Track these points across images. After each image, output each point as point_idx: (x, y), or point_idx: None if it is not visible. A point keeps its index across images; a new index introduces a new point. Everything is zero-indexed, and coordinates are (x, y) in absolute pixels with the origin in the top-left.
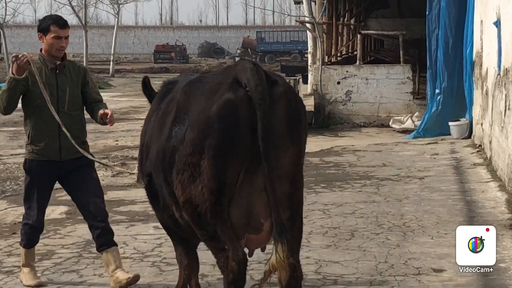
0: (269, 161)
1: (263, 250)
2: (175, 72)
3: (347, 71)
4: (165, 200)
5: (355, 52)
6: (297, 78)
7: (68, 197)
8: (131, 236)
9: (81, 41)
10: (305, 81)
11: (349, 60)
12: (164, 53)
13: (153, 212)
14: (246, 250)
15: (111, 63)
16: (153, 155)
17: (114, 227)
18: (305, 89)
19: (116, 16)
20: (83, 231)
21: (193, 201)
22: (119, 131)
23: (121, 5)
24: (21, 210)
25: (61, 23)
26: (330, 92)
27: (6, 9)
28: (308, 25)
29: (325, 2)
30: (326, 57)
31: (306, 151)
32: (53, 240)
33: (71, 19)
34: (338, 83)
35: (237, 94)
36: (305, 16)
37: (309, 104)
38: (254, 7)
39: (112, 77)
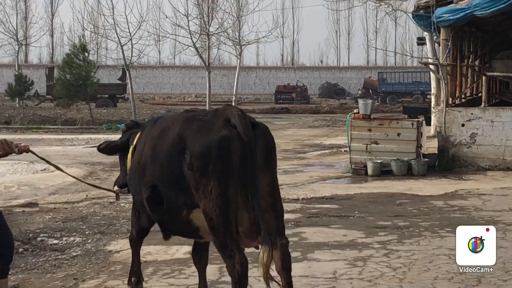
0: (253, 183)
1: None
2: (296, 112)
3: (471, 113)
4: (170, 203)
5: (479, 94)
6: (420, 120)
7: None
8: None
9: (204, 82)
10: (428, 123)
11: (473, 102)
12: (285, 94)
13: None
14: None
15: (233, 103)
16: (157, 172)
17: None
18: (428, 131)
19: (238, 57)
20: (207, 271)
21: (208, 214)
22: None
23: (243, 46)
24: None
25: None
26: (454, 135)
27: (132, 51)
28: (431, 66)
29: (449, 43)
30: (450, 99)
31: (430, 194)
32: (178, 280)
33: (195, 60)
34: (463, 125)
35: (231, 131)
36: (428, 58)
37: (432, 146)
38: (376, 48)
39: None
